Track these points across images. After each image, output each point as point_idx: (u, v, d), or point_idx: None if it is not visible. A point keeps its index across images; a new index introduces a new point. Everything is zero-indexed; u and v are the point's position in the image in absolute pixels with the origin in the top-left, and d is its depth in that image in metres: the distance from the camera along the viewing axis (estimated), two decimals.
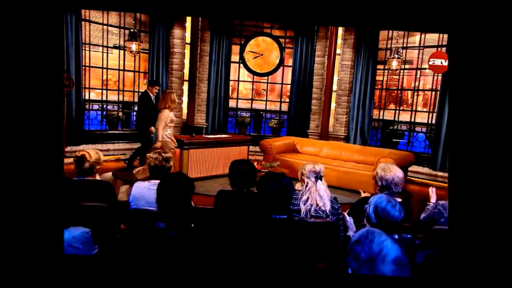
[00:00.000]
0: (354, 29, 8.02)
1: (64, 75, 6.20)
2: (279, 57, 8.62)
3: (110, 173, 6.21)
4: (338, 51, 8.18)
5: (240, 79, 9.27)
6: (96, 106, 7.89)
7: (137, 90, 8.36)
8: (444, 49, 7.09)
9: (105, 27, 7.63)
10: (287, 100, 9.00)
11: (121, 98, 8.16)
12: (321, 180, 2.73)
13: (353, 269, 1.36)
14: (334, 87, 8.34)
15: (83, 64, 7.26)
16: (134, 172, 5.07)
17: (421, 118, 7.97)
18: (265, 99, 9.34)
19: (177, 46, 8.30)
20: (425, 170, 7.35)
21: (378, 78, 8.33)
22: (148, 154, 2.91)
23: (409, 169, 6.74)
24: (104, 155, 7.44)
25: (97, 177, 2.78)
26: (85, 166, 2.61)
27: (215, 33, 8.52)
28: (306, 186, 2.72)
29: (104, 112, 7.96)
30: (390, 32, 7.99)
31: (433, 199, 2.97)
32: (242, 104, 9.23)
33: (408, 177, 6.74)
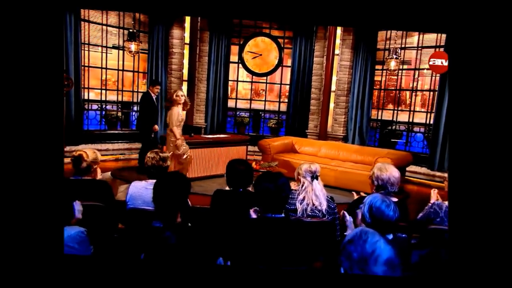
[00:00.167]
0: (353, 30, 8.04)
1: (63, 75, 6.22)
2: (278, 58, 8.63)
3: (109, 173, 6.23)
4: (337, 51, 8.20)
5: (239, 79, 9.29)
6: (95, 106, 7.90)
7: (136, 90, 8.37)
8: (442, 50, 7.10)
9: (104, 27, 7.65)
10: (286, 100, 9.01)
11: (120, 98, 8.18)
12: (317, 179, 2.74)
13: (346, 269, 1.37)
14: (333, 87, 8.36)
15: (82, 64, 7.28)
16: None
17: (419, 118, 7.99)
18: (264, 99, 9.36)
19: (176, 46, 8.32)
20: (423, 170, 7.38)
21: (377, 78, 8.34)
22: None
23: (407, 169, 6.75)
24: (104, 155, 7.48)
25: (98, 176, 2.78)
26: (82, 166, 2.62)
27: (214, 33, 8.54)
28: (302, 186, 2.74)
29: (103, 112, 7.97)
30: (389, 32, 8.01)
31: (433, 200, 2.97)
32: (241, 104, 9.25)
33: (406, 177, 6.76)
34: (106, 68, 7.88)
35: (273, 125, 9.11)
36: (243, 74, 9.24)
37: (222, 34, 8.58)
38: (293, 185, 2.78)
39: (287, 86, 8.98)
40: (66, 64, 6.70)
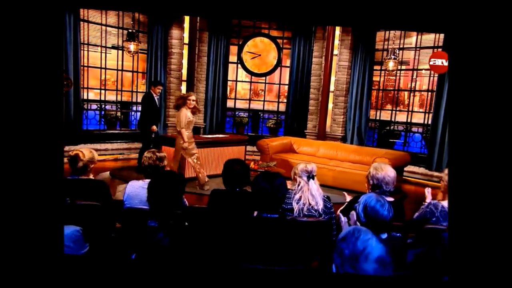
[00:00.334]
0: (351, 30, 8.06)
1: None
2: (276, 58, 8.65)
3: (107, 173, 6.23)
4: (335, 51, 8.22)
5: (238, 80, 9.30)
6: (94, 106, 7.92)
7: (135, 90, 8.39)
8: (440, 50, 7.12)
9: (103, 27, 7.66)
10: (285, 100, 9.03)
11: (119, 98, 8.19)
12: (313, 179, 2.76)
13: (337, 266, 1.39)
14: (331, 88, 8.37)
15: (82, 64, 7.30)
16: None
17: (418, 118, 8.01)
18: (263, 99, 9.37)
19: (175, 47, 8.33)
20: (421, 170, 7.40)
21: (375, 78, 8.36)
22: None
23: (405, 169, 6.77)
24: (103, 155, 7.49)
25: (91, 176, 2.78)
26: (79, 165, 2.62)
27: (213, 33, 8.55)
28: (299, 185, 2.75)
29: (103, 112, 7.99)
30: (387, 33, 8.02)
31: (428, 199, 2.99)
32: (240, 104, 9.26)
33: (404, 177, 6.77)
34: (105, 68, 7.90)
35: (272, 125, 9.12)
36: (242, 74, 9.25)
37: (221, 34, 8.59)
38: (289, 185, 2.79)
39: (286, 86, 8.99)
40: (65, 64, 6.71)
